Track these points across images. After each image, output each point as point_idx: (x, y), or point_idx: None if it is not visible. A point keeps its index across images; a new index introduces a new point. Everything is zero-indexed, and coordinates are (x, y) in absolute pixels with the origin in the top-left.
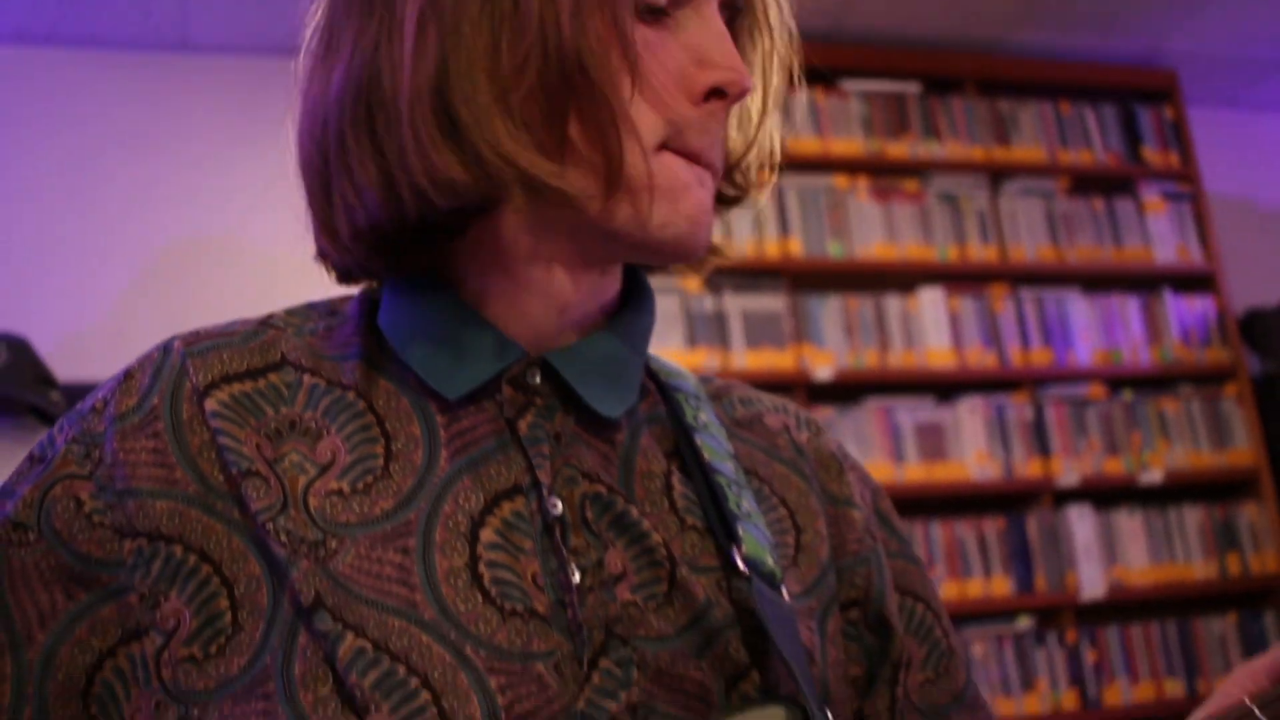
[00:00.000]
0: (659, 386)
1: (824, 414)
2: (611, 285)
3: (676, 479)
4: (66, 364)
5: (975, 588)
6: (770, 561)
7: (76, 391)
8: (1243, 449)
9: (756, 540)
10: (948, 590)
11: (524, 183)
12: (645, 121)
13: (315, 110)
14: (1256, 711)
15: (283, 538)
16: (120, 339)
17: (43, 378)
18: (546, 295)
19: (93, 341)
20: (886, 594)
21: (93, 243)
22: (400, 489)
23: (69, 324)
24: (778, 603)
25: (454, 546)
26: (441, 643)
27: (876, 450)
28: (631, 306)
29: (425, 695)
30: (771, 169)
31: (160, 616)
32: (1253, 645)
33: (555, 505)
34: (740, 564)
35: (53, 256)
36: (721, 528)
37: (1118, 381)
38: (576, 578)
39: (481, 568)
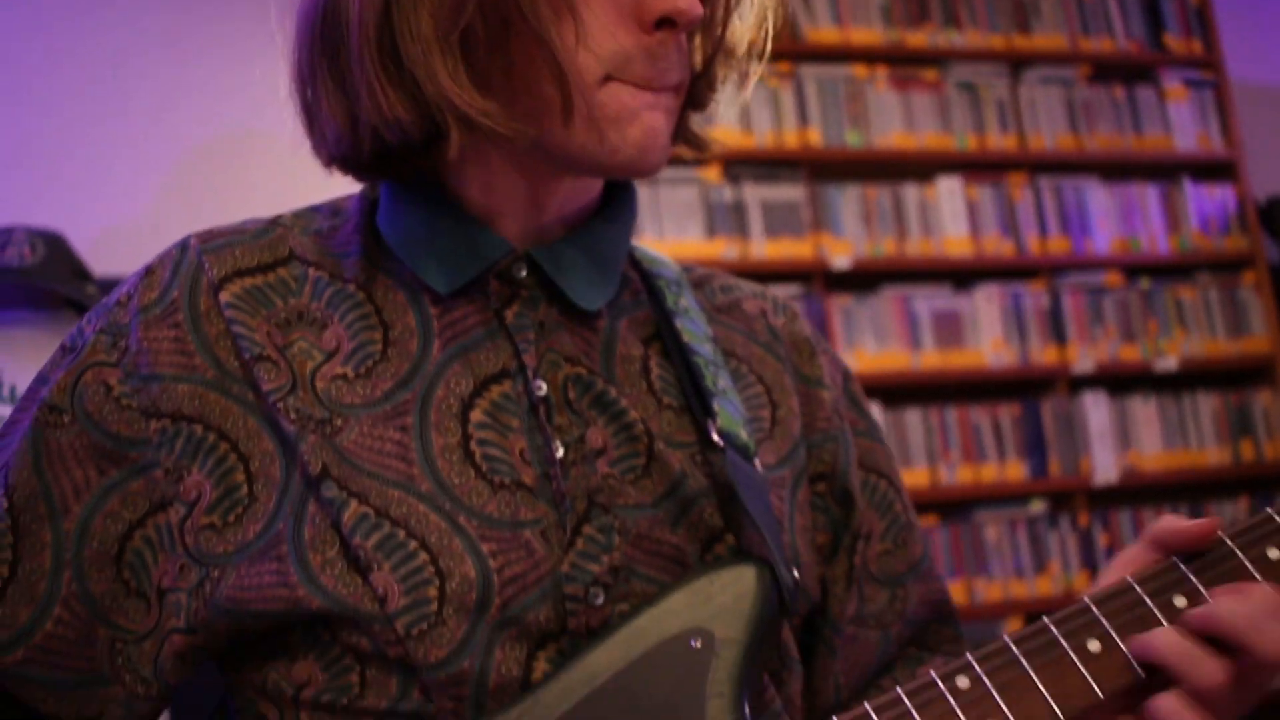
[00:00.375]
0: (641, 275)
1: (842, 302)
2: (591, 186)
3: (655, 362)
4: (102, 259)
5: (989, 472)
6: (744, 435)
7: (111, 285)
8: (1259, 336)
9: (731, 415)
10: (962, 474)
11: (460, 119)
12: (588, 58)
13: (300, 34)
14: (1136, 588)
15: (292, 416)
16: (154, 234)
17: (79, 272)
18: (525, 199)
19: (127, 237)
20: (851, 470)
21: (127, 140)
22: (398, 373)
23: (104, 220)
24: (750, 473)
25: (447, 426)
26: (437, 512)
27: (893, 338)
28: (613, 204)
29: (423, 556)
30: (760, 57)
31: (183, 489)
32: None
33: (540, 387)
34: (715, 437)
35: (88, 154)
36: (698, 404)
37: (1135, 269)
38: (560, 453)
39: (473, 445)
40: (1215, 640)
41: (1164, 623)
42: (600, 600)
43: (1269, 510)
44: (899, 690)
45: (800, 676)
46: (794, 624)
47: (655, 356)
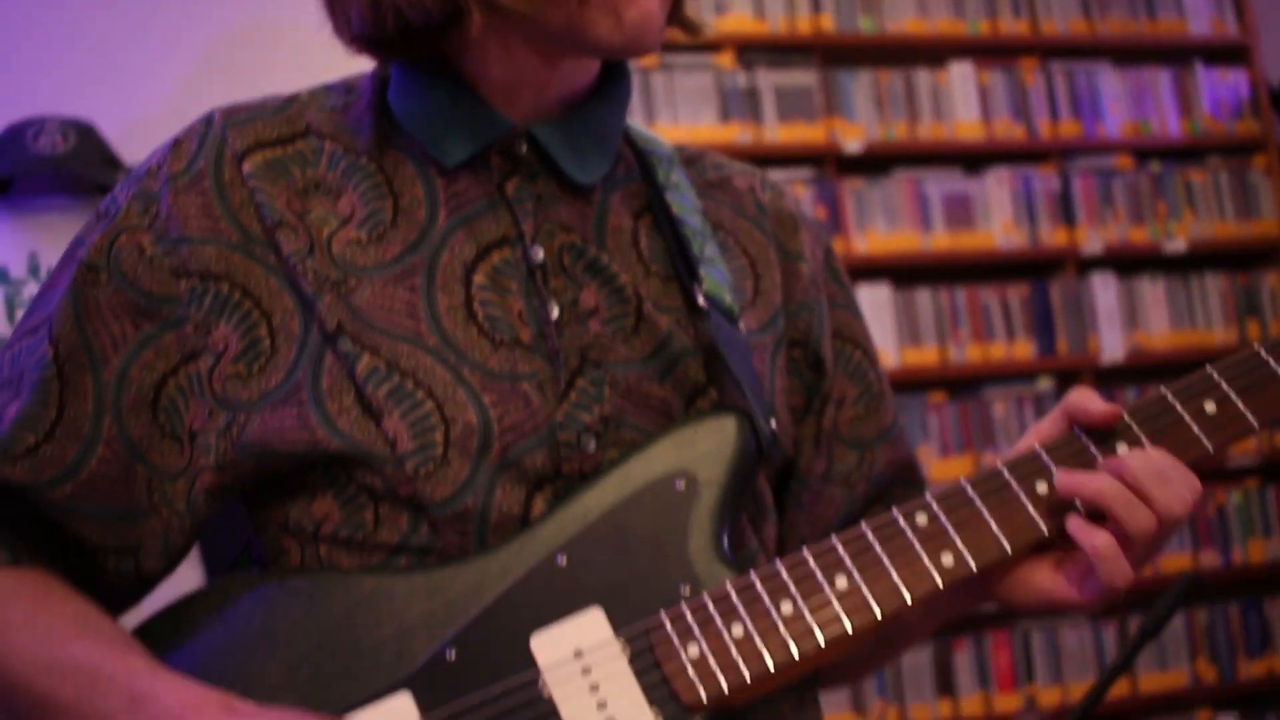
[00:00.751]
0: (635, 152)
1: (854, 185)
2: (589, 68)
3: (644, 233)
4: (131, 147)
5: (998, 351)
6: (728, 299)
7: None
8: (1268, 220)
9: (716, 281)
10: (971, 353)
11: (482, 3)
12: None
13: None
14: (1043, 455)
15: (310, 277)
16: (182, 123)
17: (109, 160)
18: (530, 80)
19: (156, 126)
20: (824, 339)
21: (157, 30)
22: (407, 239)
23: (134, 110)
24: (734, 334)
25: (451, 288)
26: (443, 365)
27: (904, 220)
28: (608, 85)
29: (430, 404)
30: None
31: (212, 341)
32: None
33: (537, 253)
34: (700, 300)
35: (118, 44)
36: (685, 270)
37: (1146, 153)
38: (555, 313)
39: (475, 305)
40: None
41: (1100, 458)
42: (592, 447)
43: (1163, 390)
44: (863, 524)
45: (775, 524)
46: (769, 477)
47: (645, 228)
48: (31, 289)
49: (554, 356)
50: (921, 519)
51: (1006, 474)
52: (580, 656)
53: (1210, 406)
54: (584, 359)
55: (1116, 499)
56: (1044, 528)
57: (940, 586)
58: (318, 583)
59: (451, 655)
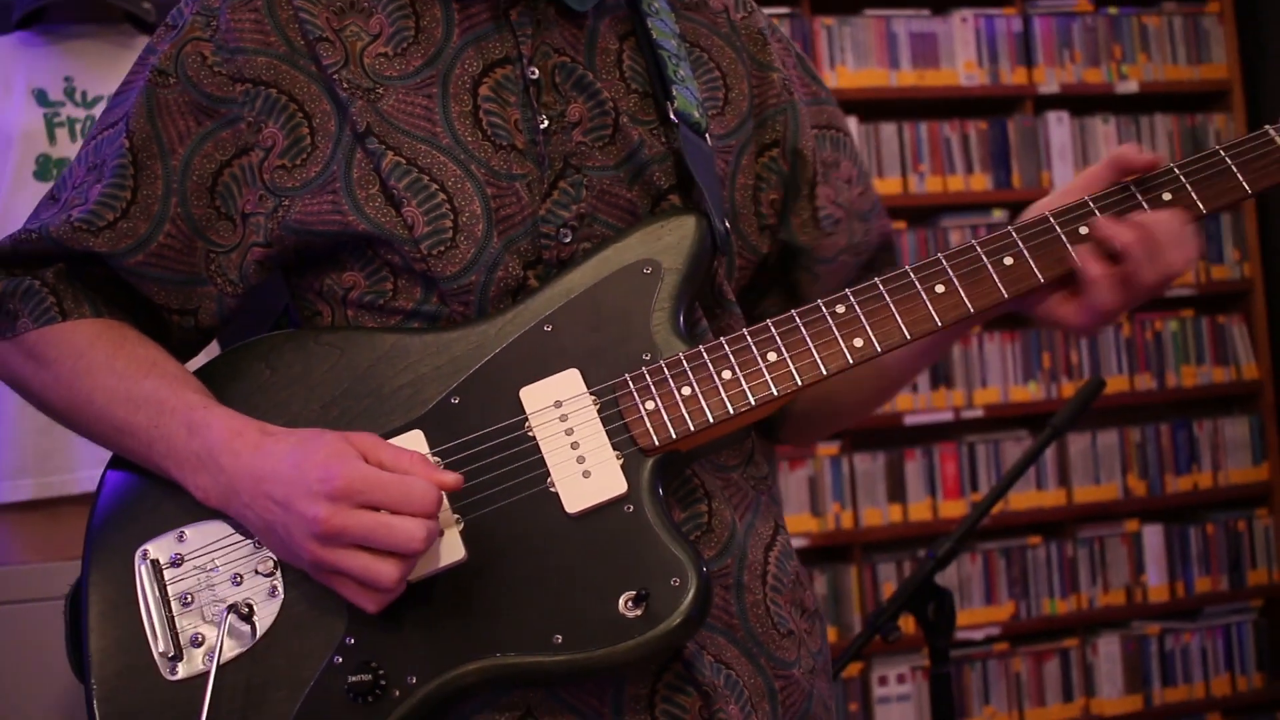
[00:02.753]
0: None
1: (826, 22)
2: None
3: (627, 54)
4: None
5: (956, 183)
6: (696, 114)
7: (167, 2)
8: (1218, 64)
9: (687, 99)
10: (931, 184)
11: None
12: None
13: None
14: (1090, 204)
15: (345, 85)
16: None
17: None
18: None
19: None
20: (801, 134)
21: None
22: (426, 54)
23: None
24: (700, 145)
25: (462, 97)
26: (454, 162)
27: (872, 57)
28: None
29: (441, 195)
30: None
31: (262, 138)
32: (1209, 242)
33: (533, 72)
34: (672, 115)
35: None
36: (660, 89)
37: None
38: (545, 124)
39: (480, 114)
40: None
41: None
42: (568, 239)
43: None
44: (793, 312)
45: (738, 318)
46: (739, 271)
47: (629, 49)
48: (69, 110)
49: (541, 161)
50: (840, 308)
51: (911, 274)
52: (559, 406)
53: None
54: (566, 164)
55: (1140, 249)
56: (939, 322)
57: (851, 362)
58: (347, 338)
59: (456, 400)
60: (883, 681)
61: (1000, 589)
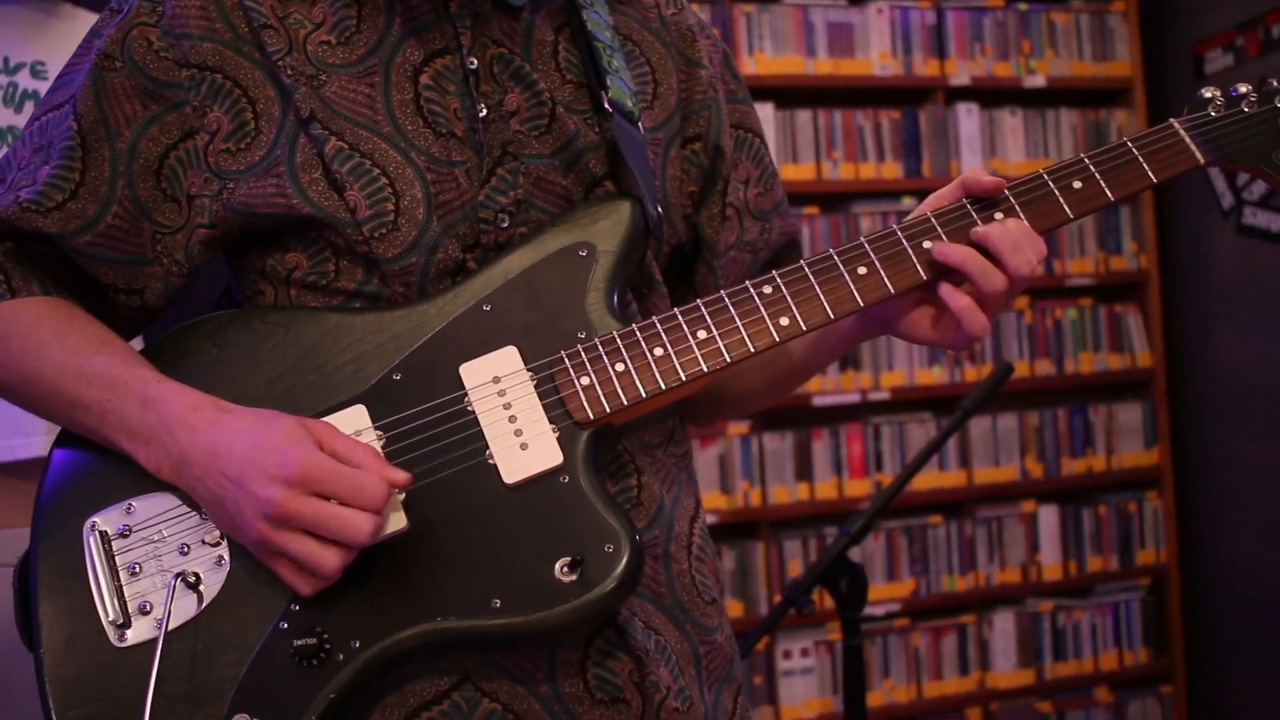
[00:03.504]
0: None
1: (745, 9)
2: None
3: (563, 46)
4: None
5: (868, 170)
6: (630, 104)
7: None
8: (1122, 62)
9: (620, 89)
10: (844, 171)
11: None
12: None
13: None
14: (932, 220)
15: (289, 72)
16: None
17: None
18: None
19: None
20: (722, 130)
21: None
22: (368, 42)
23: None
24: (632, 133)
25: (403, 85)
26: (395, 148)
27: (790, 45)
28: None
29: (383, 180)
30: None
31: (207, 122)
32: (1108, 234)
33: (471, 62)
34: (606, 105)
35: None
36: (595, 80)
37: None
38: (483, 112)
39: (421, 101)
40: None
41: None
42: (506, 224)
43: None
44: (722, 293)
45: (665, 298)
46: (661, 256)
47: (564, 41)
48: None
49: (480, 148)
50: (767, 289)
51: (835, 257)
52: (498, 382)
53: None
54: (504, 152)
55: (975, 266)
56: (860, 302)
57: (777, 340)
58: (292, 317)
59: (397, 377)
60: (787, 655)
61: (902, 566)
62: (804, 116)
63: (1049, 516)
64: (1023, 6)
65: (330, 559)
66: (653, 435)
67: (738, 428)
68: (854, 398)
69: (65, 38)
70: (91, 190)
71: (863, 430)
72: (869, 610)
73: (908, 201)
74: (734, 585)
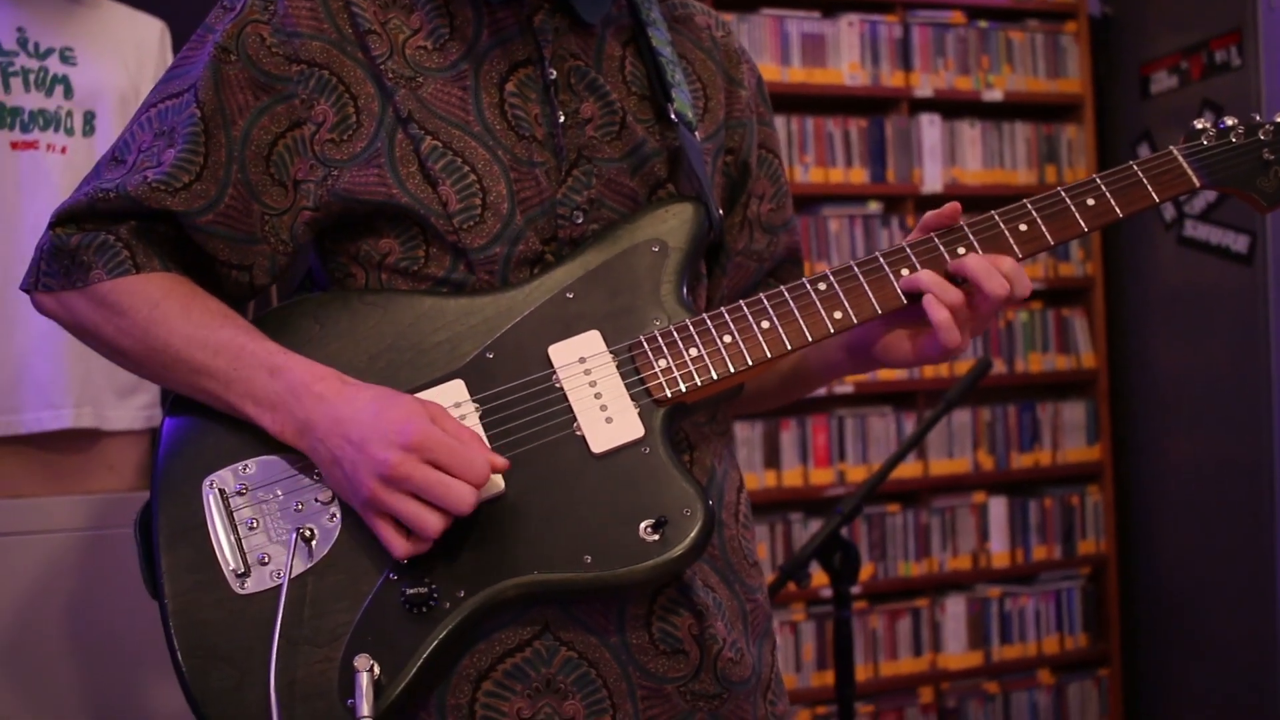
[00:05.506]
0: None
1: (726, 18)
2: None
3: (629, 61)
4: None
5: (837, 175)
6: (690, 115)
7: None
8: (1074, 79)
9: (683, 100)
10: (814, 175)
11: None
12: None
13: None
14: (907, 249)
15: (390, 75)
16: None
17: None
18: None
19: None
20: (752, 149)
21: None
22: (460, 49)
23: None
24: (693, 141)
25: (490, 91)
26: (484, 147)
27: (767, 54)
28: None
29: (473, 176)
30: None
31: (314, 114)
32: None
33: (551, 73)
34: (671, 115)
35: None
36: (661, 91)
37: (976, 11)
38: (562, 119)
39: (506, 106)
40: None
41: (949, 260)
42: (580, 220)
43: (993, 213)
44: (782, 288)
45: (706, 287)
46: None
47: (630, 55)
48: (22, 60)
49: (558, 151)
50: (821, 286)
51: (881, 260)
52: (583, 362)
53: (1023, 226)
54: (580, 155)
55: (937, 286)
56: (903, 299)
57: (831, 331)
58: (388, 298)
59: (490, 355)
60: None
61: (862, 552)
62: (778, 122)
63: (998, 507)
64: (983, 24)
65: (434, 522)
66: (700, 415)
67: None
68: (820, 392)
69: (93, 25)
70: (213, 173)
71: (828, 421)
72: (829, 592)
73: (873, 205)
74: None
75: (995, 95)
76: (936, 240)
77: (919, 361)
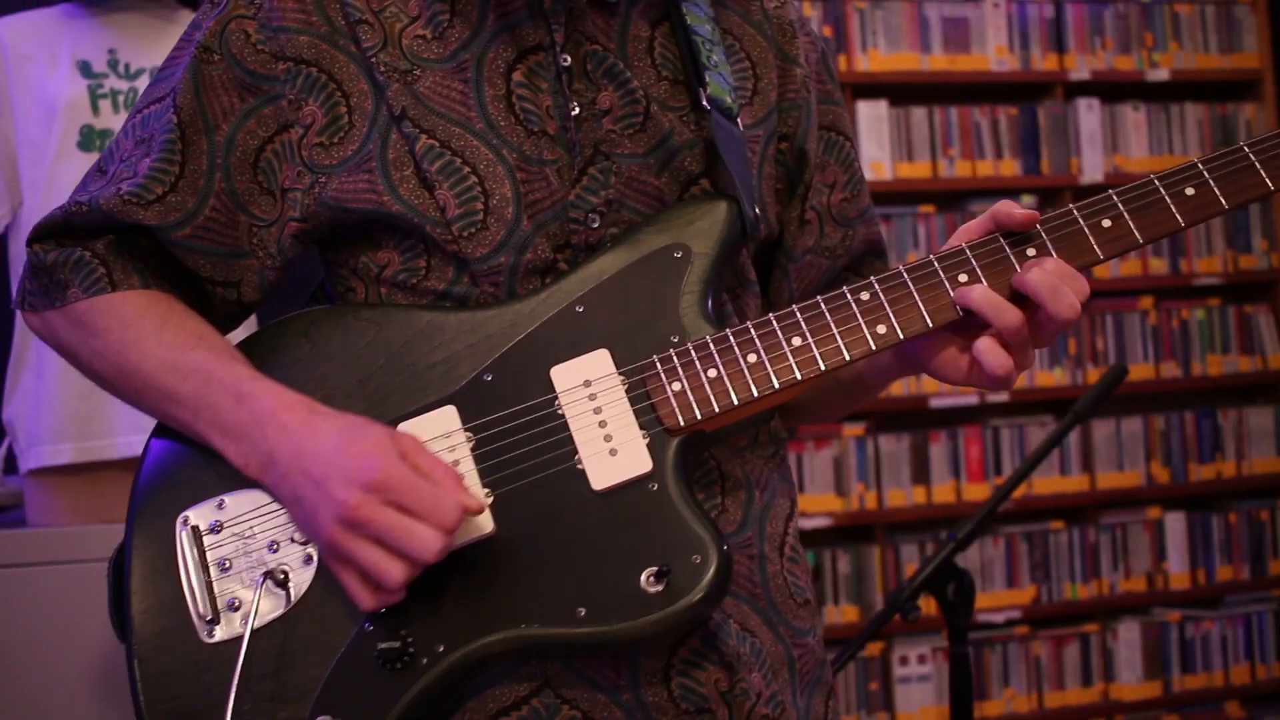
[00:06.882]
0: None
1: (859, 5)
2: None
3: (659, 42)
4: None
5: (985, 167)
6: (729, 100)
7: None
8: (1250, 53)
9: (719, 85)
10: (960, 169)
11: None
12: None
13: None
14: (967, 252)
15: (382, 68)
16: None
17: None
18: None
19: None
20: (810, 133)
21: None
22: (461, 37)
23: None
24: (731, 130)
25: (495, 82)
26: (487, 146)
27: (904, 41)
28: None
29: (474, 179)
30: None
31: (302, 115)
32: (1237, 232)
33: (565, 59)
34: (704, 102)
35: None
36: (694, 75)
37: None
38: (575, 110)
39: (514, 99)
40: (1025, 298)
41: (1017, 268)
42: (596, 224)
43: (1071, 207)
44: (819, 298)
45: (757, 295)
46: (752, 253)
47: (661, 35)
48: (112, 82)
49: (572, 147)
50: (864, 295)
51: (936, 263)
52: (588, 385)
53: (1107, 222)
54: (596, 151)
55: (988, 307)
56: (958, 311)
57: (873, 349)
58: (385, 314)
59: (489, 378)
60: (904, 661)
61: (1022, 572)
62: (919, 114)
63: (1175, 523)
64: None
65: (395, 572)
66: (740, 438)
67: (852, 429)
68: (972, 399)
69: None
70: (190, 183)
71: (981, 433)
72: (988, 618)
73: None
74: (849, 589)
75: (1161, 75)
76: (1002, 241)
77: (974, 384)
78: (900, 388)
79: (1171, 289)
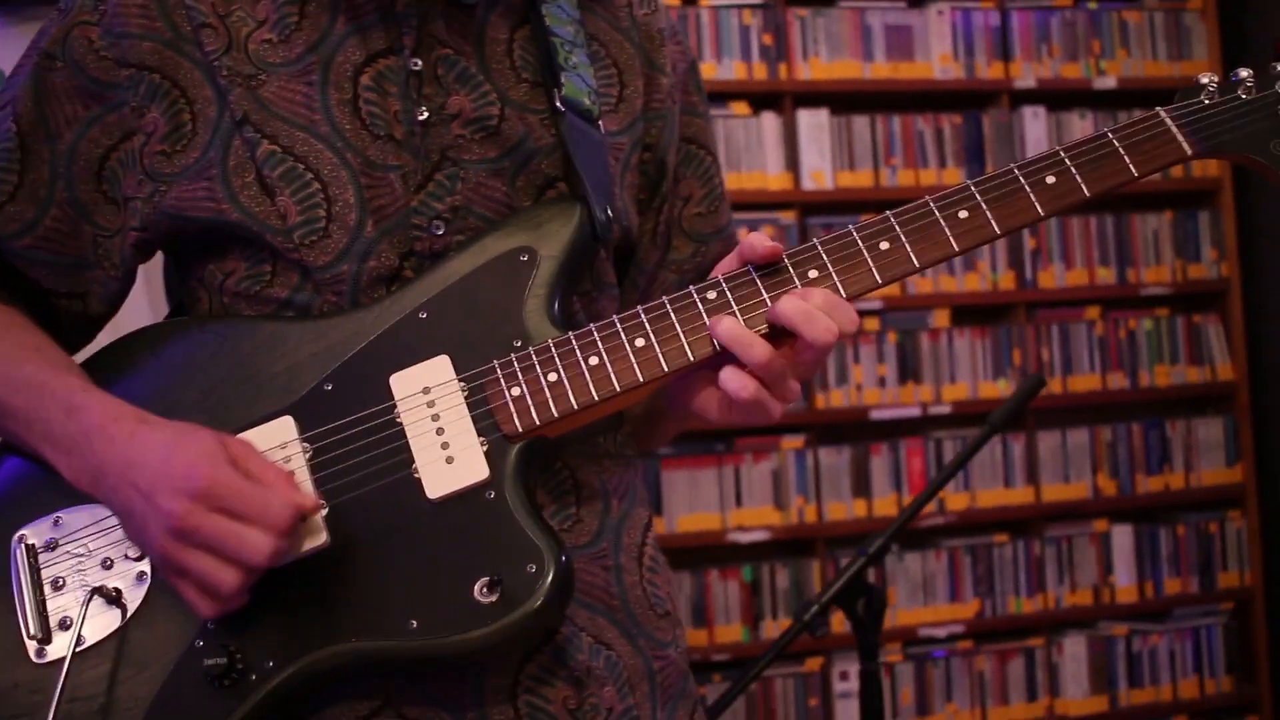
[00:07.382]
0: None
1: (800, 13)
2: None
3: (518, 44)
4: None
5: (929, 176)
6: (588, 102)
7: None
8: (1200, 61)
9: (576, 86)
10: (903, 178)
11: None
12: None
13: None
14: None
15: (224, 72)
16: None
17: None
18: None
19: None
20: (671, 144)
21: None
22: (309, 40)
23: None
24: (589, 132)
25: (342, 85)
26: (331, 150)
27: (847, 49)
28: None
29: (316, 185)
30: None
31: (144, 123)
32: (1186, 241)
33: (416, 63)
34: (558, 104)
35: None
36: (549, 77)
37: None
38: (423, 116)
39: (360, 103)
40: (784, 330)
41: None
42: (441, 231)
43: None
44: (664, 299)
45: (615, 300)
46: (611, 257)
47: (521, 38)
48: None
49: (418, 153)
50: (711, 294)
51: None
52: (427, 393)
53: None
54: (443, 157)
55: (735, 341)
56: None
57: (717, 350)
58: (230, 326)
59: (329, 387)
60: (844, 677)
61: (965, 587)
62: (861, 122)
63: (1123, 536)
64: (1092, 5)
65: (229, 579)
66: (600, 444)
67: (792, 441)
68: (914, 411)
69: None
70: (30, 193)
71: (923, 444)
72: (930, 632)
73: None
74: (788, 604)
75: (1108, 83)
76: (754, 274)
77: (734, 422)
78: (841, 398)
79: (1119, 299)
